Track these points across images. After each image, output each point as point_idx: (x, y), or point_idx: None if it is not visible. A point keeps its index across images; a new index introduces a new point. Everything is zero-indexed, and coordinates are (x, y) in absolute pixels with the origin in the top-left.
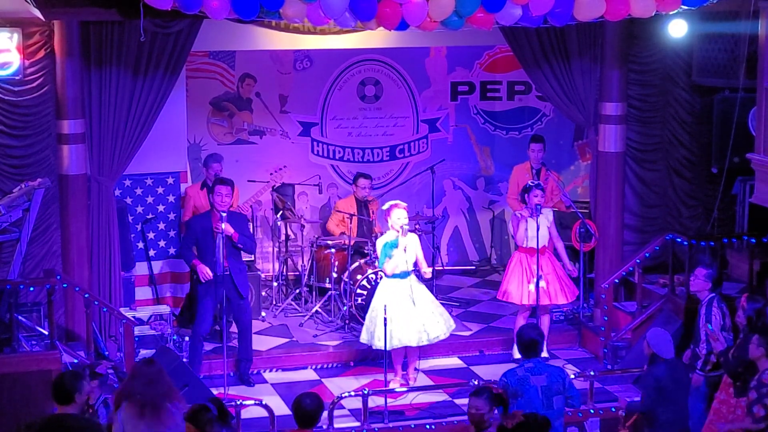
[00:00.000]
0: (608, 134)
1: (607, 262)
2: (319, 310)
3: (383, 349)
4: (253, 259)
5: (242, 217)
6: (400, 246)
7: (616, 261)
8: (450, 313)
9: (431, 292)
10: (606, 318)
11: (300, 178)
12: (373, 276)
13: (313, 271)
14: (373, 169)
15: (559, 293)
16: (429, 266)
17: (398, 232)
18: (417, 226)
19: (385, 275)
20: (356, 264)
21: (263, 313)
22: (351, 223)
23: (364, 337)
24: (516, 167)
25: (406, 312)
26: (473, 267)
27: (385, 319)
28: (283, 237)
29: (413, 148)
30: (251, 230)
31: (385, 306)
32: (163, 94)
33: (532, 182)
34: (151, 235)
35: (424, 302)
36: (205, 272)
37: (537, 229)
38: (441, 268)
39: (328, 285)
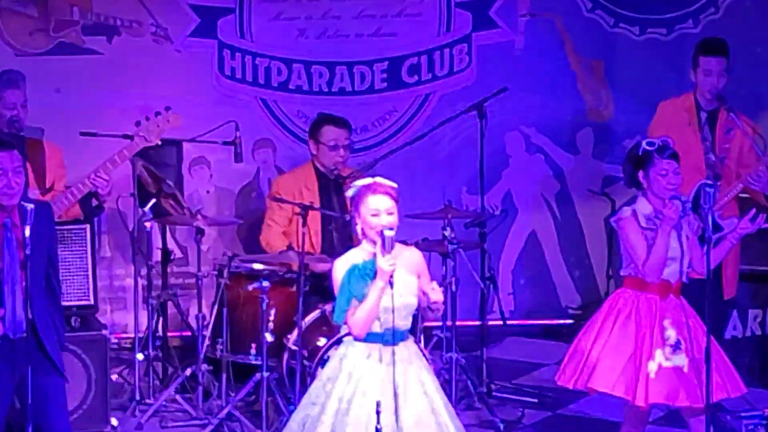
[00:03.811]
0: None
1: None
2: (237, 414)
3: None
4: (92, 303)
5: (47, 215)
6: (382, 273)
7: None
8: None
9: (478, 375)
10: None
11: (194, 128)
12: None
13: (222, 329)
14: (357, 109)
15: (715, 381)
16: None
17: (375, 242)
18: (447, 234)
19: (352, 336)
20: (315, 313)
21: (114, 421)
22: (304, 226)
23: None
24: (663, 104)
25: (383, 417)
26: (569, 321)
27: (377, 429)
28: (158, 257)
29: (439, 66)
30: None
31: (378, 402)
32: None
33: (659, 141)
34: None
35: (418, 404)
36: None
37: (681, 247)
38: (500, 322)
39: (253, 358)
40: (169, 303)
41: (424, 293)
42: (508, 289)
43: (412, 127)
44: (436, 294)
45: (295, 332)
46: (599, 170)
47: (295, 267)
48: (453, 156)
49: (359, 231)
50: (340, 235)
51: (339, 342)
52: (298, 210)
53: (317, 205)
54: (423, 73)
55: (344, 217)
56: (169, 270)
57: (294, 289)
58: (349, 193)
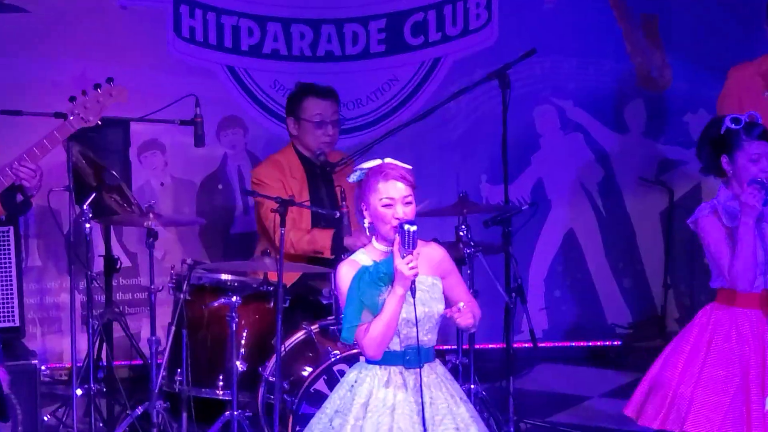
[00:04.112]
0: None
1: None
2: None
3: None
4: (17, 324)
5: None
6: (402, 278)
7: None
8: None
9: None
10: None
11: (145, 104)
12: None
13: (181, 356)
14: (348, 79)
15: None
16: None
17: (388, 240)
18: (462, 234)
19: (366, 359)
20: (299, 335)
21: None
22: (282, 226)
23: None
24: (735, 70)
25: None
26: (617, 342)
27: None
28: (100, 266)
29: (450, 24)
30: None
31: None
32: None
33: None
34: None
35: None
36: None
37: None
38: (530, 345)
39: (221, 392)
40: (115, 324)
41: (448, 312)
42: (540, 304)
43: (418, 100)
44: (465, 318)
45: (273, 359)
46: (653, 152)
47: (270, 274)
48: (469, 136)
49: (367, 226)
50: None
51: (328, 372)
52: (273, 203)
53: (306, 198)
54: (431, 32)
55: (334, 213)
56: (114, 283)
57: (272, 305)
58: (353, 178)
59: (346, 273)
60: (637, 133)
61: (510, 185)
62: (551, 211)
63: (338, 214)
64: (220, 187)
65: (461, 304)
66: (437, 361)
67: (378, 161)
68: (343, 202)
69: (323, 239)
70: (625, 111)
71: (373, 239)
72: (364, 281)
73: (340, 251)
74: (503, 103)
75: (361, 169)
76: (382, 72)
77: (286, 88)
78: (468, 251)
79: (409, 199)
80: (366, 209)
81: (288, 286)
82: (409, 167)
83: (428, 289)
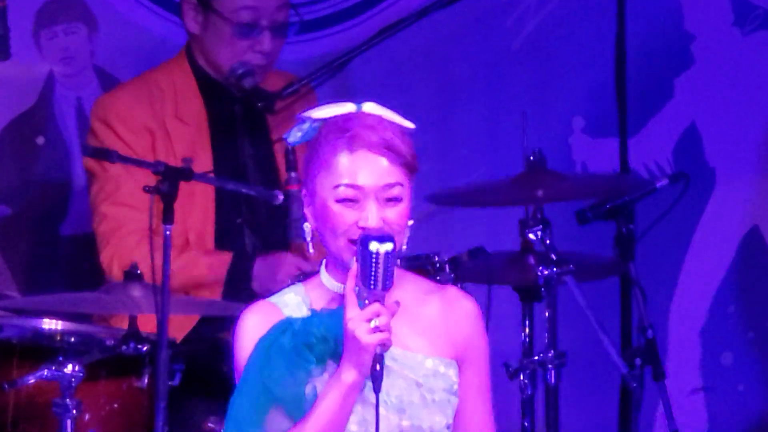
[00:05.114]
0: None
1: None
2: None
3: None
4: None
5: None
6: (354, 350)
7: None
8: None
9: None
10: None
11: None
12: None
13: None
14: None
15: None
16: None
17: (342, 267)
18: (533, 237)
19: None
20: None
21: None
22: (167, 222)
23: None
24: None
25: None
26: None
27: None
28: None
29: None
30: None
31: None
32: None
33: None
34: None
35: None
36: None
37: None
38: None
39: None
40: None
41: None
42: (694, 380)
43: None
44: None
45: None
46: None
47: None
48: (544, 43)
49: (309, 239)
50: (261, 236)
51: None
52: (154, 178)
53: (208, 162)
54: None
55: (272, 196)
56: None
57: (145, 382)
58: (295, 136)
59: (250, 329)
60: None
61: (631, 139)
62: (715, 191)
63: (281, 197)
64: (40, 141)
65: None
66: None
67: (349, 107)
68: (292, 174)
69: (214, 265)
70: None
71: (323, 267)
72: (278, 351)
73: (241, 290)
74: None
75: (310, 121)
76: None
77: None
78: (546, 273)
79: (397, 192)
80: (309, 204)
81: (179, 342)
82: (408, 125)
83: (424, 380)
